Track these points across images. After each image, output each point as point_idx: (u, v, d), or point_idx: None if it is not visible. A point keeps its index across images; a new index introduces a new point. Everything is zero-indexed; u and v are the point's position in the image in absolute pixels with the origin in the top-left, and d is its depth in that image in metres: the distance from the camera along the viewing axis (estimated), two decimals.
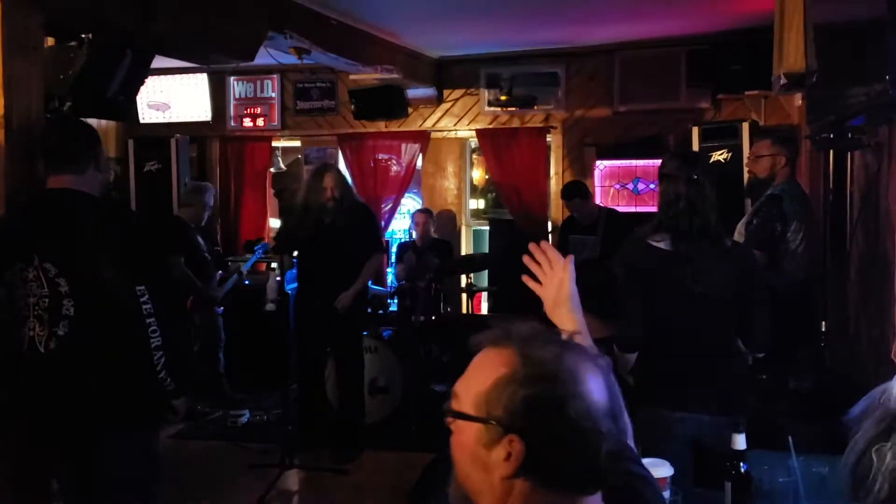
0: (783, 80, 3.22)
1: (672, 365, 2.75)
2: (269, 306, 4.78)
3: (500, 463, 1.07)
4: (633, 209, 6.28)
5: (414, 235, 6.58)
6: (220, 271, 5.97)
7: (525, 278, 1.73)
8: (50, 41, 3.35)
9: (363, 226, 5.04)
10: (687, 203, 2.75)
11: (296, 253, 5.05)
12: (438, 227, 6.82)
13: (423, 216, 6.47)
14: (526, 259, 1.74)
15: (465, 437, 1.11)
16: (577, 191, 5.73)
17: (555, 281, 1.69)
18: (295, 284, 6.08)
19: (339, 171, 5.08)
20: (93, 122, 3.74)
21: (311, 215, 4.86)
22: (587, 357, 1.13)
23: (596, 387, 1.09)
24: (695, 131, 5.73)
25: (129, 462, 2.52)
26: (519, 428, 1.06)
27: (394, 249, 7.36)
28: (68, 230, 2.45)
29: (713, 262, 2.75)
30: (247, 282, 6.13)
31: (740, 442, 1.97)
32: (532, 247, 1.72)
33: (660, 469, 1.98)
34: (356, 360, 5.06)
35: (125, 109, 3.82)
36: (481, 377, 1.10)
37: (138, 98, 6.35)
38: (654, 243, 2.77)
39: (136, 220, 2.77)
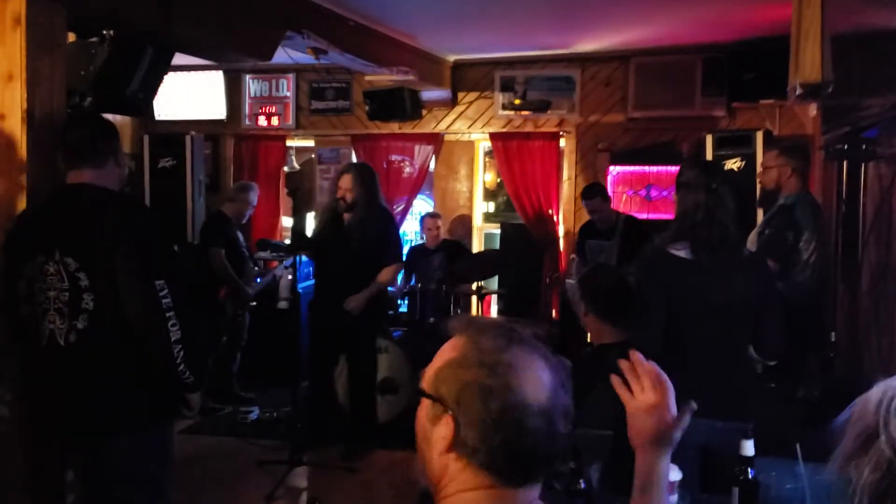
0: (799, 90, 3.23)
1: (688, 373, 2.76)
2: (282, 304, 4.82)
3: (439, 440, 1.15)
4: (645, 216, 6.29)
5: (424, 239, 6.61)
6: (256, 267, 6.09)
7: (615, 380, 1.53)
8: (71, 37, 3.39)
9: (382, 231, 4.94)
10: (706, 213, 2.76)
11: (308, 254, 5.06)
12: (451, 230, 6.84)
13: (432, 220, 6.46)
14: (615, 379, 1.53)
15: (421, 412, 1.20)
16: (598, 190, 5.75)
17: (645, 404, 1.48)
18: (307, 283, 6.13)
19: (360, 173, 4.89)
20: (108, 117, 3.79)
21: (329, 215, 4.87)
22: (537, 355, 1.17)
23: (534, 384, 1.13)
24: (709, 139, 5.73)
25: (144, 458, 2.55)
26: (453, 409, 1.13)
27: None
28: (89, 225, 2.48)
29: (732, 271, 2.76)
30: (258, 279, 6.18)
31: (748, 448, 1.99)
32: (623, 365, 1.52)
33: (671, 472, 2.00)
34: (369, 362, 5.09)
35: (145, 106, 3.86)
36: (438, 358, 1.21)
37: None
38: (675, 252, 2.78)
39: (151, 216, 2.81)
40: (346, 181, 4.83)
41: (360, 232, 4.81)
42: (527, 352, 1.16)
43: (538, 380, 1.14)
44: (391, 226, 5.10)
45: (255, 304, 5.99)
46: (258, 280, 6.10)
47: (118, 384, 2.49)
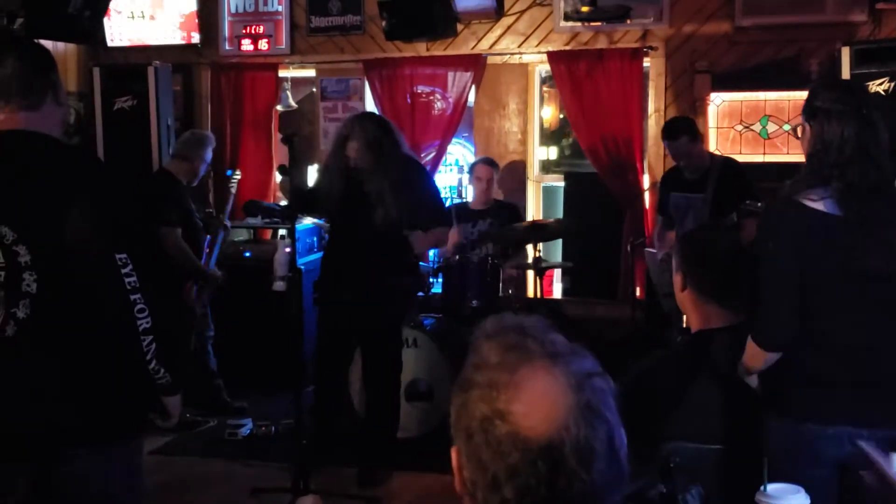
0: None
1: (826, 364, 2.74)
2: (278, 285, 4.85)
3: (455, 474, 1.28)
4: (761, 157, 6.22)
5: (469, 195, 6.59)
6: (209, 236, 6.08)
7: None
8: None
9: (421, 190, 5.12)
10: (857, 148, 2.71)
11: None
12: (498, 184, 6.83)
13: (489, 170, 6.46)
14: None
15: None
16: (683, 128, 5.67)
17: None
18: (310, 258, 6.18)
19: (364, 136, 4.93)
20: (48, 45, 3.85)
21: (340, 172, 4.94)
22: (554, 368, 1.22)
23: (542, 411, 1.19)
24: (845, 53, 5.67)
25: (107, 480, 2.62)
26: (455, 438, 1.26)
27: None
28: (28, 184, 2.52)
29: (890, 227, 2.72)
30: (247, 253, 6.23)
31: None
32: None
33: (794, 497, 2.01)
34: (394, 358, 5.16)
35: (92, 28, 3.91)
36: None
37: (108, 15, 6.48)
38: (811, 203, 2.74)
39: (108, 170, 2.85)
40: (352, 149, 4.92)
41: (390, 198, 4.88)
42: (541, 365, 1.22)
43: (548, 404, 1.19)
44: (428, 180, 5.31)
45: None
46: (216, 244, 6.07)
47: (71, 388, 2.55)
